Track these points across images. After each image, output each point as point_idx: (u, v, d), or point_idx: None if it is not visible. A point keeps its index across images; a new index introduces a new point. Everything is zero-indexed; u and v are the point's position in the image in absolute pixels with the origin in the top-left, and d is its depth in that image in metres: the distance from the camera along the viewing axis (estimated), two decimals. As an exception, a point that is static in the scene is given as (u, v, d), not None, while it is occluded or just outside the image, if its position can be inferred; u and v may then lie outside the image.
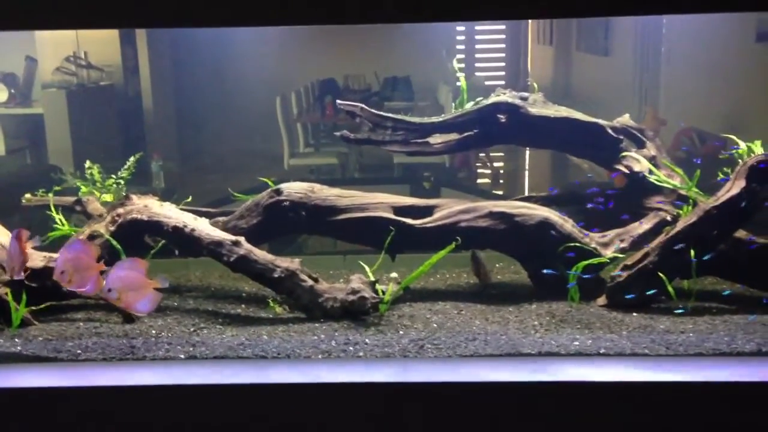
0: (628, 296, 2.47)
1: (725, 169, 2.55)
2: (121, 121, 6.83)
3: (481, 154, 6.14)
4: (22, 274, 2.35)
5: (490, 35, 7.85)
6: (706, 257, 2.41)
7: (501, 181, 6.24)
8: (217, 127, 7.14)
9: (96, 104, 6.71)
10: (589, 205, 2.60)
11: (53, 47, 6.62)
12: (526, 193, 2.84)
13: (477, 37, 7.86)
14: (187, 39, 6.71)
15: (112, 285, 2.27)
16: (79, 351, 2.26)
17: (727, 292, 2.56)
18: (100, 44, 6.74)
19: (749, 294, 2.65)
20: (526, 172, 6.07)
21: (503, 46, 7.86)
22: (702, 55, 4.44)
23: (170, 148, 6.96)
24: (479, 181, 6.36)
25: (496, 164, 6.33)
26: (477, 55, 7.95)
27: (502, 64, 7.89)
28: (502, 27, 7.66)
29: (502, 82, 7.54)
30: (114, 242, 2.51)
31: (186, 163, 6.83)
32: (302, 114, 7.48)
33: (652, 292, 2.45)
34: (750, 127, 2.75)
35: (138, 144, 6.59)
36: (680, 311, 2.45)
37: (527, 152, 5.83)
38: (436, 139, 2.68)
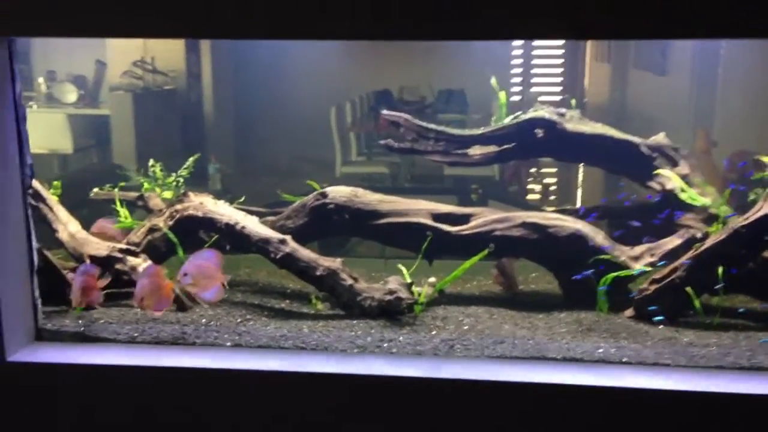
0: (651, 308, 2.55)
1: (757, 189, 2.62)
2: (183, 124, 7.13)
3: (532, 169, 6.21)
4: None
5: (548, 50, 7.87)
6: (717, 286, 2.47)
7: (551, 197, 6.27)
8: (274, 133, 7.38)
9: (160, 107, 7.03)
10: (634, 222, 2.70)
11: (122, 52, 6.96)
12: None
13: (534, 52, 7.89)
14: (248, 47, 6.97)
15: (189, 271, 2.47)
16: (135, 334, 2.46)
17: (741, 310, 2.62)
18: (166, 50, 7.06)
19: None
20: (579, 188, 6.11)
21: (561, 61, 7.89)
22: (758, 78, 4.43)
23: (228, 152, 7.23)
24: (529, 196, 6.41)
25: (546, 180, 6.37)
26: (534, 71, 7.99)
27: (560, 79, 7.92)
28: (560, 42, 7.69)
29: (559, 98, 7.57)
30: (171, 235, 2.71)
31: (242, 166, 7.08)
32: (356, 123, 7.66)
33: (659, 318, 2.53)
34: None
35: (197, 146, 6.87)
36: (659, 318, 2.52)
37: (580, 168, 5.87)
38: (475, 151, 2.81)
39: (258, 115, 7.66)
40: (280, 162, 7.09)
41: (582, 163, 3.04)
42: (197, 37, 2.13)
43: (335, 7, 1.98)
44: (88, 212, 3.22)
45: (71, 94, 7.04)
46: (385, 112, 2.86)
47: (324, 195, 2.81)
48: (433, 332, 2.51)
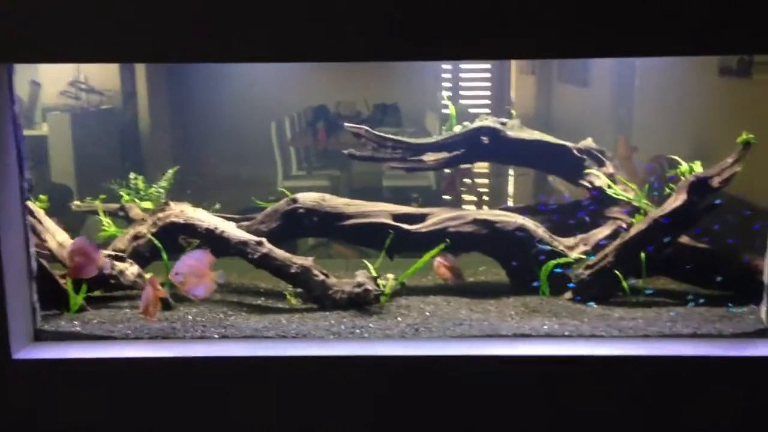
0: (577, 298, 2.96)
1: (671, 185, 3.04)
2: (121, 143, 7.22)
3: (466, 180, 6.58)
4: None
5: (475, 64, 8.22)
6: (641, 273, 2.88)
7: (484, 207, 6.64)
8: (213, 149, 7.52)
9: (97, 126, 7.11)
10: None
11: (56, 72, 7.02)
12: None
13: (463, 65, 8.23)
14: (183, 64, 7.09)
15: (180, 270, 2.71)
16: (128, 331, 2.68)
17: (649, 291, 2.99)
18: (100, 69, 7.13)
19: (692, 290, 3.12)
20: (510, 198, 6.50)
21: (488, 75, 8.28)
22: (670, 88, 4.85)
23: (166, 168, 7.30)
24: (464, 206, 6.75)
25: (480, 189, 6.76)
26: (462, 84, 8.35)
27: (487, 92, 8.31)
28: (487, 56, 8.00)
29: (487, 110, 7.97)
30: (155, 241, 2.95)
31: (183, 182, 7.17)
32: (295, 138, 7.91)
33: (591, 304, 2.93)
34: (714, 155, 3.19)
35: (137, 164, 6.96)
36: (577, 298, 2.91)
37: (511, 178, 6.27)
38: (429, 157, 3.15)
39: (197, 132, 7.76)
40: (220, 178, 7.23)
41: (523, 166, 3.42)
42: (195, 62, 2.39)
43: (304, 31, 2.29)
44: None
45: (5, 115, 7.03)
46: (347, 124, 3.17)
47: (294, 200, 3.10)
48: (399, 319, 2.82)
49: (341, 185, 7.30)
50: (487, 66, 8.18)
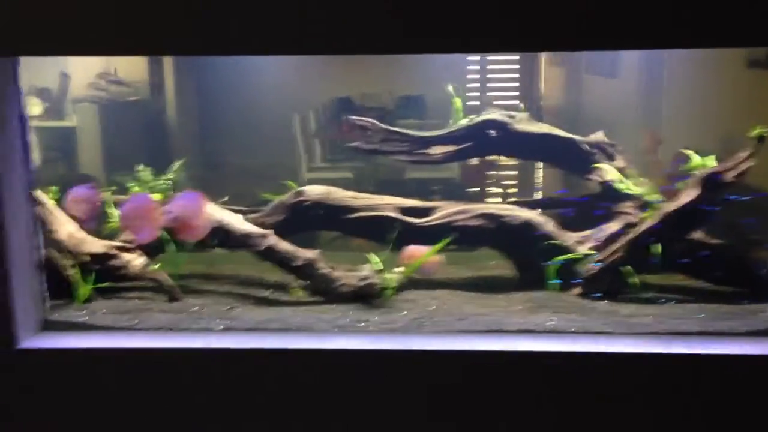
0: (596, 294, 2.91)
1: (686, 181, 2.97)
2: (149, 135, 7.30)
3: (491, 172, 6.52)
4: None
5: (504, 55, 8.12)
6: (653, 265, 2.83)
7: (511, 199, 6.55)
8: (239, 141, 7.57)
9: (125, 118, 7.19)
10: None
11: (85, 64, 7.11)
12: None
13: (490, 57, 8.15)
14: (211, 57, 7.12)
15: (172, 209, 2.71)
16: (135, 321, 2.71)
17: (646, 295, 2.93)
18: (129, 61, 7.20)
19: (707, 288, 3.06)
20: (539, 191, 6.43)
21: (517, 67, 8.19)
22: (699, 79, 4.77)
23: (195, 160, 7.38)
24: (488, 199, 6.70)
25: (505, 182, 6.69)
26: (490, 75, 8.27)
27: (516, 84, 8.22)
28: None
29: (516, 102, 7.87)
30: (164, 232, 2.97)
31: (209, 173, 7.25)
32: (320, 130, 7.92)
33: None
34: (740, 148, 3.11)
35: (164, 156, 7.03)
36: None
37: (540, 170, 6.20)
38: (436, 150, 3.13)
39: (223, 124, 7.81)
40: (246, 170, 7.27)
41: (531, 160, 3.37)
42: (198, 54, 2.40)
43: (313, 24, 2.27)
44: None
45: (36, 107, 7.14)
46: (353, 117, 3.16)
47: (300, 193, 3.09)
48: (404, 313, 2.80)
49: (365, 177, 7.30)
50: (516, 57, 8.09)
